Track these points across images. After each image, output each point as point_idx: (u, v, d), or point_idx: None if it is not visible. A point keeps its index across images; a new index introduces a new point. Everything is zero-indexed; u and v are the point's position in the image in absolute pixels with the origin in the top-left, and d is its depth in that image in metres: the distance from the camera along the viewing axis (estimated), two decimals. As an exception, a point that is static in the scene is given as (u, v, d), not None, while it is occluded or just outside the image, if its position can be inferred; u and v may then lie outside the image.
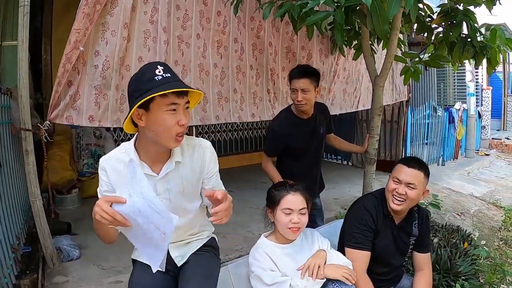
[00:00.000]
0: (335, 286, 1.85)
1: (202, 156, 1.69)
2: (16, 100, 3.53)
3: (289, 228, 1.89)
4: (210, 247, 1.86)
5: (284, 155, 2.89)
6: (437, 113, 7.86)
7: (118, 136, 5.78)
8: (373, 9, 2.22)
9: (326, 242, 2.08)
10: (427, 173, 2.09)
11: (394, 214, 2.14)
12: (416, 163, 2.09)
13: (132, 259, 1.83)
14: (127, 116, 1.47)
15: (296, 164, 2.86)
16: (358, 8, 2.71)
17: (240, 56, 3.80)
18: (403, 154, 6.93)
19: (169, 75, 1.46)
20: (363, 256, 2.06)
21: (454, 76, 10.91)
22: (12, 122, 3.29)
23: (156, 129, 1.47)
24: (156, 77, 1.43)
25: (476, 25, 3.23)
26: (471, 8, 3.16)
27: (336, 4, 2.40)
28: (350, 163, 7.45)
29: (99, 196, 1.60)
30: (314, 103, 2.81)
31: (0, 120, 3.02)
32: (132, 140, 1.63)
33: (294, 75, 2.71)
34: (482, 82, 11.17)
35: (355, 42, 3.83)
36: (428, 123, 7.66)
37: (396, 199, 2.06)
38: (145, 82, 1.43)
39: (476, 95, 9.88)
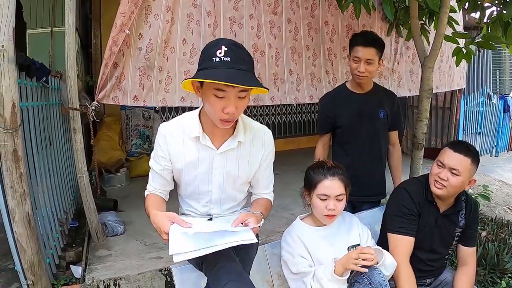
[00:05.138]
0: (364, 278, 1.67)
1: (262, 142, 1.68)
2: (66, 82, 3.69)
3: (325, 215, 1.80)
4: None
5: (336, 142, 2.59)
6: (492, 101, 7.44)
7: (166, 118, 5.88)
8: None
9: (366, 229, 1.98)
10: (475, 161, 1.88)
11: (438, 201, 1.99)
12: (464, 148, 1.90)
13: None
14: (186, 79, 1.45)
15: (346, 155, 2.50)
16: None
17: (294, 36, 3.70)
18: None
19: (228, 59, 1.35)
20: (406, 242, 1.93)
21: (511, 63, 10.27)
22: (62, 103, 3.44)
23: (205, 106, 1.49)
24: (214, 58, 1.35)
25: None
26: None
27: None
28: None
29: (152, 160, 1.67)
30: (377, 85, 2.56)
31: (50, 101, 3.17)
32: (198, 109, 1.63)
33: (359, 42, 2.30)
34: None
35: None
36: (482, 111, 7.29)
37: (437, 183, 1.91)
38: (206, 59, 1.39)
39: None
